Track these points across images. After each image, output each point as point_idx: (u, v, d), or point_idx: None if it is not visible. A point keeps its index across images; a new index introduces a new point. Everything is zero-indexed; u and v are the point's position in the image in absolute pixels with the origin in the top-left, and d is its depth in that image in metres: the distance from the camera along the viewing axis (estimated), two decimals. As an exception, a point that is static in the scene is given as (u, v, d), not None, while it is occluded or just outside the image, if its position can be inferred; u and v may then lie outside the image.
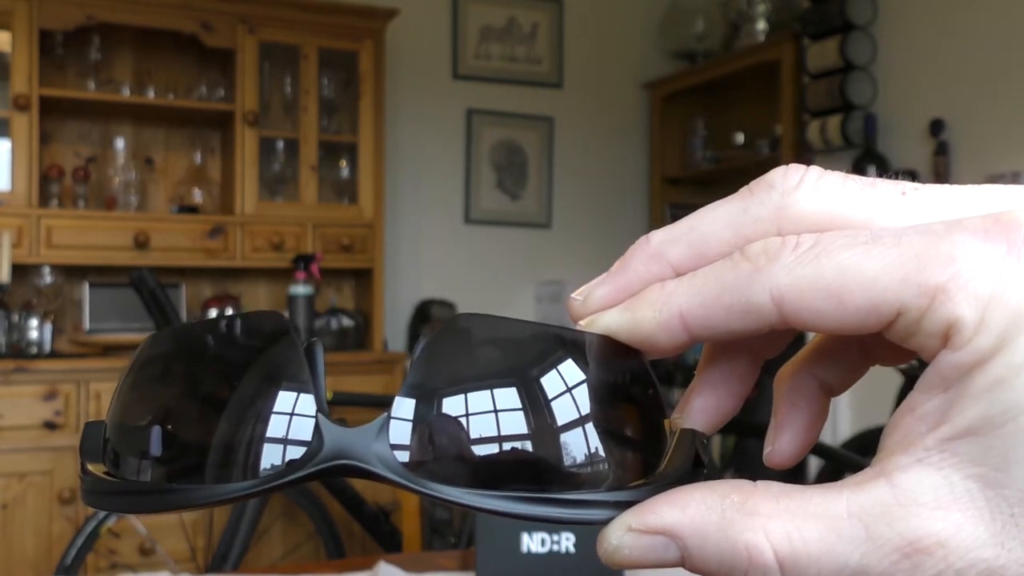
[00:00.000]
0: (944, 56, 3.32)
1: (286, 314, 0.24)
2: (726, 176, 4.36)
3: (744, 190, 0.27)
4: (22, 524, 2.95)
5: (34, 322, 3.23)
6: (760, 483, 0.24)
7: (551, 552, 1.12)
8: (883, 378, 2.44)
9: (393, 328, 3.97)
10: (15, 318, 3.24)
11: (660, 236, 0.27)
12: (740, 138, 4.25)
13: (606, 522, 0.25)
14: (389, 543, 2.68)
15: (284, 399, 0.25)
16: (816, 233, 0.24)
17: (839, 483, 0.23)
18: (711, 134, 4.47)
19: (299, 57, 3.62)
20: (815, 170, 0.26)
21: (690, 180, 4.50)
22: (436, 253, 4.19)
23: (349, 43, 3.65)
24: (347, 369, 3.39)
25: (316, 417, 0.25)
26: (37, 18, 3.23)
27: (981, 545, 0.21)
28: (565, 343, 0.26)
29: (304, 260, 3.41)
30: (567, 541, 1.12)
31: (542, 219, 4.41)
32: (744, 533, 0.23)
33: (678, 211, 4.46)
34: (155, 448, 0.26)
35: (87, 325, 3.39)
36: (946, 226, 0.23)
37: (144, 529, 2.49)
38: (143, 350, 0.28)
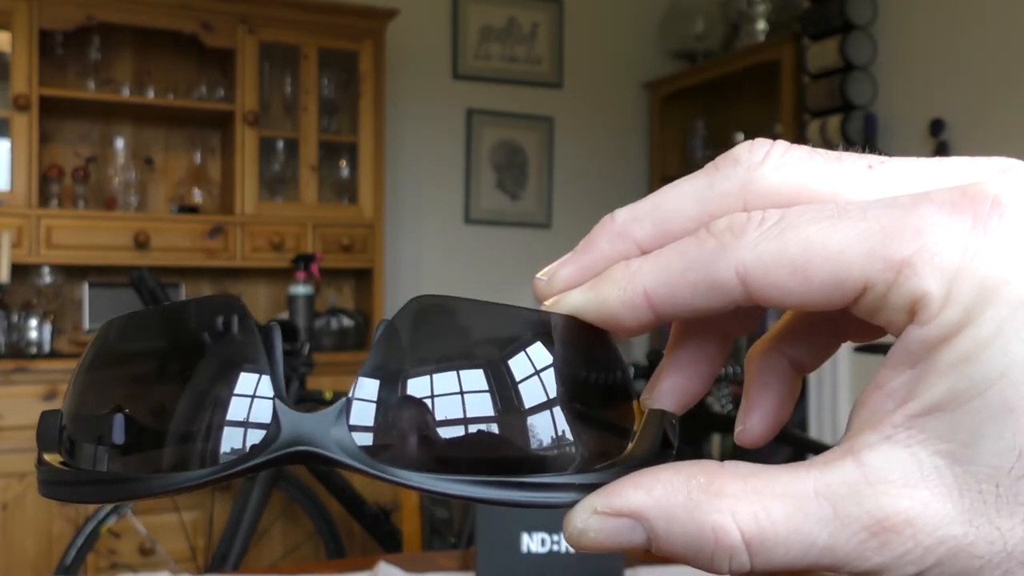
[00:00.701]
0: (944, 56, 3.32)
1: (241, 299, 0.24)
2: (726, 176, 4.35)
3: (709, 165, 0.26)
4: (22, 524, 2.95)
5: (34, 322, 3.23)
6: (727, 463, 0.24)
7: (551, 552, 1.12)
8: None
9: (393, 328, 3.97)
10: (15, 318, 3.24)
11: (624, 214, 0.26)
12: (740, 138, 4.24)
13: (571, 505, 0.24)
14: (389, 543, 2.68)
15: (242, 385, 0.24)
16: (782, 208, 0.24)
17: (807, 462, 0.23)
18: (711, 134, 4.47)
19: (299, 57, 3.62)
20: (781, 144, 0.26)
21: (690, 180, 4.50)
22: (436, 253, 4.19)
23: (349, 43, 3.65)
24: (347, 369, 3.39)
25: (274, 403, 0.24)
26: (37, 18, 3.23)
27: (949, 522, 0.21)
28: (529, 323, 0.25)
29: (304, 260, 3.41)
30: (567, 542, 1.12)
31: (542, 219, 4.41)
32: (711, 514, 0.23)
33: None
34: (112, 436, 0.25)
35: (87, 325, 3.39)
36: (913, 199, 0.22)
37: (144, 529, 2.49)
38: (99, 337, 0.27)
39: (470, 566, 1.25)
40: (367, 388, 0.24)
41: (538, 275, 0.28)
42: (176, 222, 3.46)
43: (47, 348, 3.25)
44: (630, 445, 0.26)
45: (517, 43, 4.37)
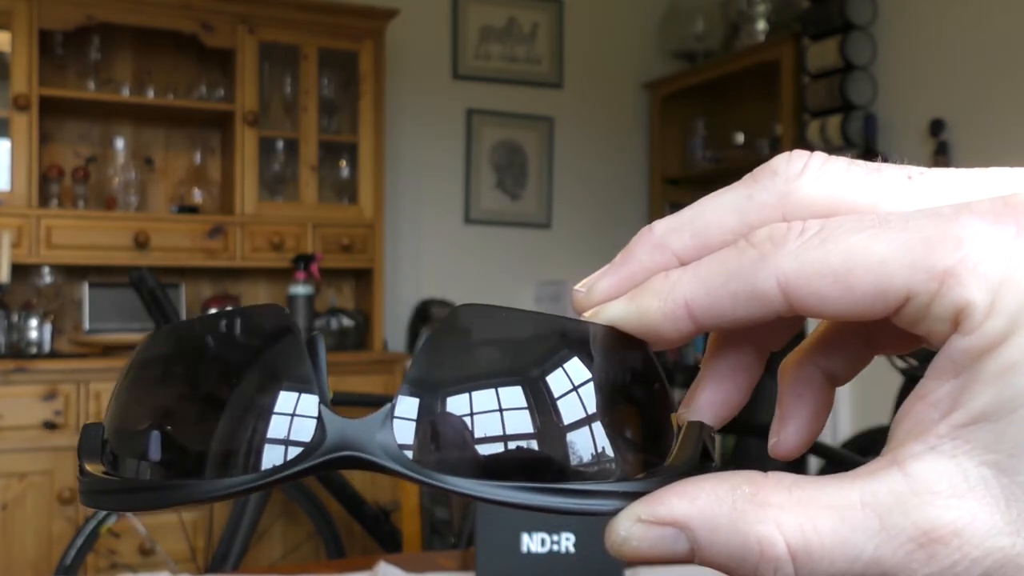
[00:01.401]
0: (944, 56, 3.32)
1: (286, 309, 0.24)
2: (726, 176, 4.34)
3: (748, 177, 0.26)
4: (22, 524, 2.95)
5: (34, 322, 3.23)
6: (771, 474, 0.23)
7: (551, 552, 1.12)
8: (883, 378, 2.44)
9: (393, 328, 3.97)
10: (15, 318, 3.24)
11: (664, 225, 0.27)
12: (740, 138, 4.25)
13: (614, 513, 0.24)
14: (389, 543, 2.68)
15: (286, 392, 0.24)
16: (822, 219, 0.24)
17: (851, 473, 0.23)
18: (711, 134, 4.47)
19: (299, 57, 3.62)
20: (819, 155, 0.26)
21: (690, 180, 4.50)
22: (436, 253, 4.19)
23: (349, 43, 3.65)
24: (347, 369, 3.39)
25: (319, 409, 0.24)
26: (37, 18, 3.23)
27: (997, 533, 0.21)
28: (570, 335, 0.25)
29: (304, 260, 3.41)
30: (567, 541, 1.12)
31: (542, 219, 4.41)
32: (756, 525, 0.22)
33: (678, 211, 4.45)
34: (155, 445, 0.26)
35: (87, 325, 3.39)
36: (954, 209, 0.22)
37: (144, 529, 2.49)
38: (142, 349, 0.27)
39: (470, 566, 1.25)
40: (411, 396, 0.24)
41: (576, 287, 0.27)
42: (176, 222, 3.46)
43: (47, 348, 3.25)
44: (671, 456, 0.26)
45: (517, 43, 4.37)
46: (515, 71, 4.36)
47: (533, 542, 1.12)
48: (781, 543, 0.22)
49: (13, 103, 3.20)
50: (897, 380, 2.42)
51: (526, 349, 0.25)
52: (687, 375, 3.89)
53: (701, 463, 0.26)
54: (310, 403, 0.24)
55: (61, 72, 3.50)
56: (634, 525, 0.24)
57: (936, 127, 3.31)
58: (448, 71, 4.24)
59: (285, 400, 0.24)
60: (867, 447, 2.48)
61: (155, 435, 0.26)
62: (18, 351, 3.20)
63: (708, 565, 0.23)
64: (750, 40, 4.10)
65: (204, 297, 3.64)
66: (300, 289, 3.38)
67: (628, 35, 4.57)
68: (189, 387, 0.26)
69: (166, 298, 2.58)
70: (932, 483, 0.22)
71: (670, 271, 0.26)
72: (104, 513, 2.34)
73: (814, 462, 3.08)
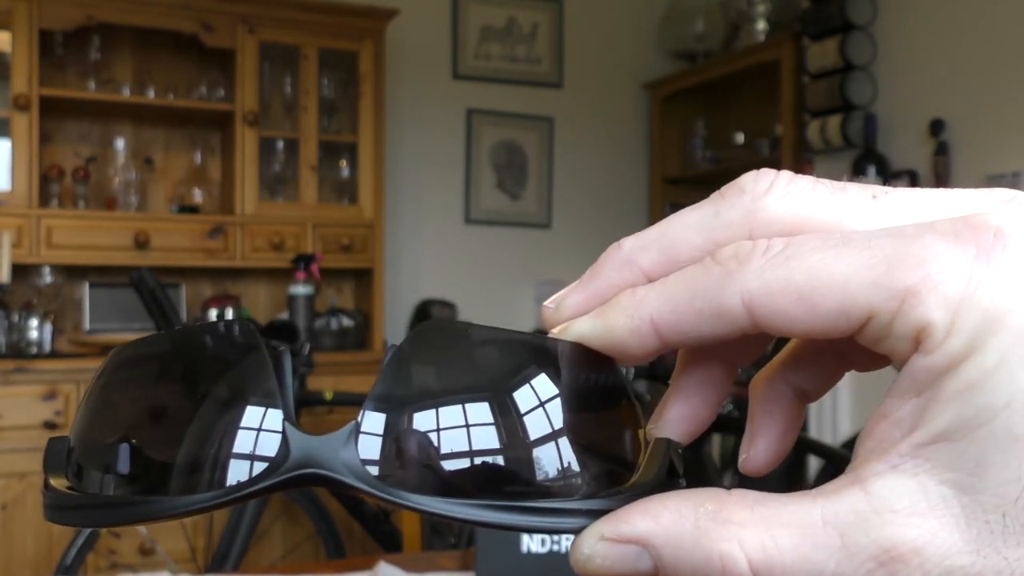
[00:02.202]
0: (944, 56, 3.32)
1: (253, 324, 0.24)
2: (726, 176, 4.27)
3: (715, 195, 0.26)
4: (22, 524, 2.95)
5: (34, 322, 3.23)
6: (735, 491, 0.24)
7: (551, 552, 1.12)
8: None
9: (393, 328, 3.97)
10: (15, 318, 3.24)
11: (631, 242, 0.27)
12: (740, 138, 4.25)
13: (579, 530, 0.24)
14: (389, 543, 2.68)
15: (251, 408, 0.24)
16: (787, 237, 0.24)
17: (814, 491, 0.23)
18: (711, 134, 4.47)
19: (299, 57, 3.62)
20: (785, 174, 0.26)
21: (690, 180, 4.50)
22: (436, 253, 4.19)
23: (349, 43, 3.65)
24: (347, 369, 3.39)
25: (283, 425, 0.24)
26: (37, 18, 3.23)
27: (957, 552, 0.21)
28: (537, 351, 0.25)
29: (304, 260, 3.41)
30: (567, 541, 1.12)
31: (542, 219, 4.41)
32: (718, 543, 0.23)
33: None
34: (120, 460, 0.25)
35: (87, 325, 3.39)
36: (916, 229, 0.22)
37: (144, 529, 2.49)
38: (108, 361, 0.27)
39: (470, 566, 1.25)
40: (376, 412, 0.24)
41: (545, 303, 0.28)
42: (176, 222, 3.46)
43: (47, 348, 3.25)
44: (637, 472, 0.26)
45: (517, 43, 4.37)
46: (515, 71, 4.36)
47: (533, 542, 1.12)
48: (743, 560, 0.22)
49: (13, 103, 3.20)
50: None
51: (493, 366, 0.25)
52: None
53: (668, 479, 0.26)
54: (274, 419, 0.24)
55: (61, 72, 3.50)
56: (598, 543, 0.24)
57: (936, 127, 3.30)
58: (448, 71, 4.24)
59: (250, 416, 0.24)
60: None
61: (120, 449, 0.26)
62: (18, 351, 3.20)
63: None
64: (750, 40, 4.10)
65: (204, 297, 3.64)
66: (300, 289, 3.38)
67: (628, 35, 4.57)
68: (155, 401, 0.26)
69: (166, 298, 2.58)
70: (893, 501, 0.22)
71: (637, 288, 0.26)
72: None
73: (814, 462, 3.08)
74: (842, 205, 0.25)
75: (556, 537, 1.12)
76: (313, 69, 3.62)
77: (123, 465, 0.25)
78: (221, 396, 0.25)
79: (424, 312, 4.01)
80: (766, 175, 0.26)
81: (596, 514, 0.24)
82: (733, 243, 0.25)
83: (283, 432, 0.24)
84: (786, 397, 0.29)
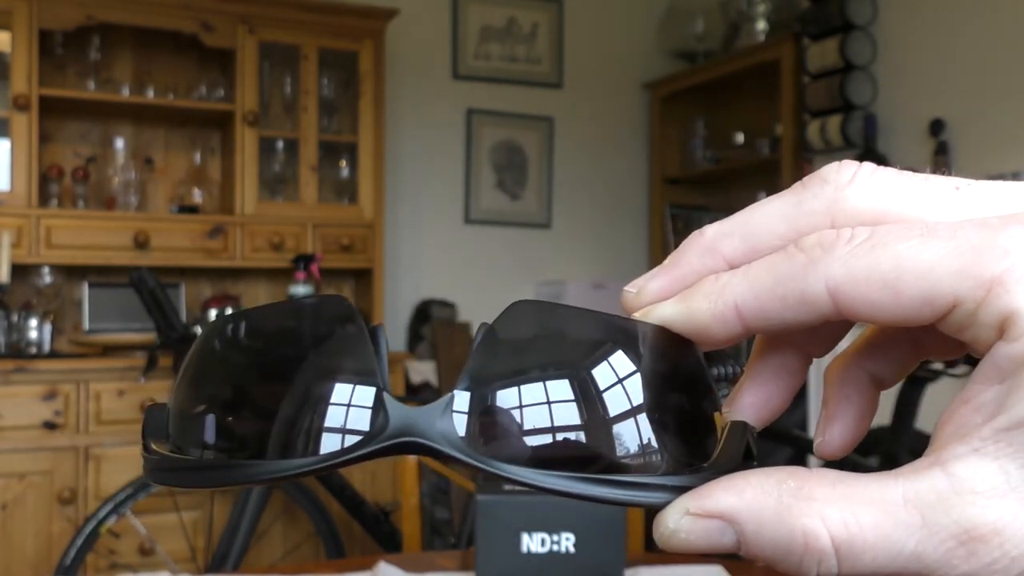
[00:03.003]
0: (944, 56, 3.32)
1: (348, 300, 0.26)
2: (726, 176, 4.36)
3: (797, 185, 0.27)
4: (22, 524, 2.95)
5: (34, 322, 3.23)
6: (816, 470, 0.24)
7: (551, 552, 1.12)
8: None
9: (393, 328, 3.97)
10: (15, 318, 3.24)
11: (714, 230, 0.27)
12: (740, 138, 4.25)
13: (663, 505, 0.25)
14: (389, 543, 2.68)
15: (350, 378, 0.25)
16: (870, 226, 0.24)
17: (895, 471, 0.23)
18: (711, 134, 4.47)
19: (299, 57, 3.62)
20: (868, 165, 0.26)
21: (690, 180, 4.50)
22: (436, 253, 4.19)
23: (349, 43, 3.65)
24: (347, 369, 3.38)
25: (382, 396, 0.25)
26: (37, 18, 3.23)
27: None
28: (621, 332, 0.26)
29: (304, 260, 3.41)
30: (567, 541, 1.12)
31: (542, 219, 4.41)
32: (801, 518, 0.23)
33: (678, 211, 4.46)
34: (219, 427, 0.27)
35: (87, 325, 3.39)
36: (1001, 220, 0.23)
37: (144, 529, 2.49)
38: (208, 332, 0.28)
39: (470, 566, 1.25)
40: (469, 386, 0.25)
41: (627, 287, 0.28)
42: (176, 222, 3.46)
43: (47, 348, 3.25)
44: (715, 453, 0.27)
45: (517, 43, 4.37)
46: (515, 71, 4.36)
47: (533, 542, 1.12)
48: (825, 536, 0.23)
49: (13, 103, 3.20)
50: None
51: (581, 346, 0.26)
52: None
53: (744, 461, 0.26)
54: (372, 390, 0.25)
55: (61, 72, 3.50)
56: (683, 518, 0.25)
57: (936, 127, 3.31)
58: (448, 71, 4.24)
59: (348, 386, 0.25)
60: (868, 447, 2.48)
61: (218, 416, 0.27)
62: (18, 351, 3.20)
63: (754, 557, 0.24)
64: (750, 40, 4.10)
65: (204, 297, 3.64)
66: (300, 289, 3.38)
67: (628, 35, 4.57)
68: (254, 373, 0.27)
69: (166, 298, 2.58)
70: (975, 483, 0.22)
71: (720, 274, 0.26)
72: (104, 513, 2.33)
73: (814, 462, 3.08)
74: (925, 196, 0.25)
75: (556, 536, 1.12)
76: (313, 69, 3.62)
77: (221, 431, 0.26)
78: (319, 367, 0.26)
79: (424, 312, 4.01)
80: (849, 166, 0.26)
81: (680, 490, 0.25)
82: (817, 232, 0.25)
83: (382, 402, 0.25)
84: (862, 383, 0.30)
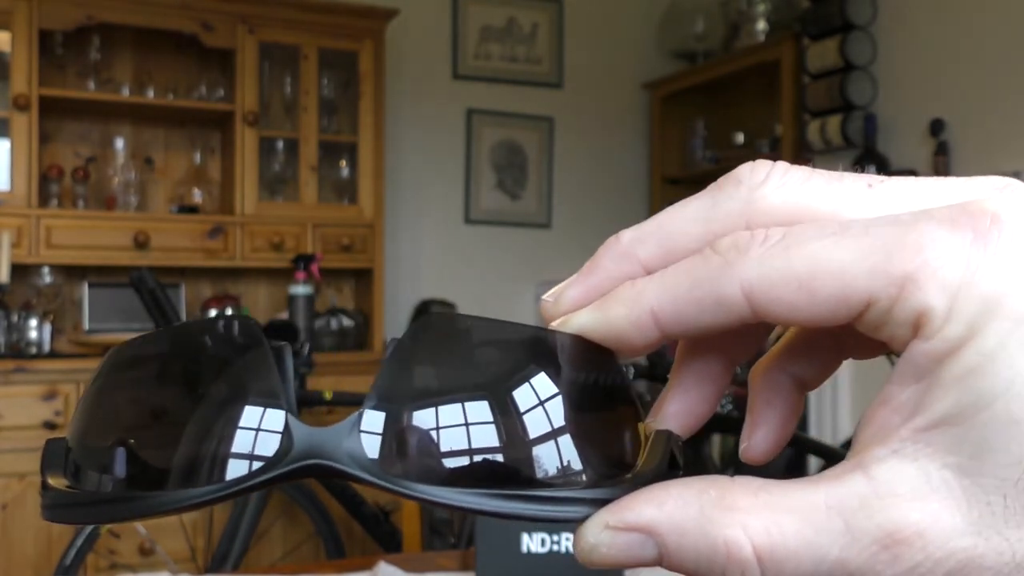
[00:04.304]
0: (944, 56, 3.32)
1: (254, 320, 0.25)
2: (726, 176, 4.35)
3: (712, 186, 0.27)
4: (22, 524, 2.95)
5: (34, 322, 3.23)
6: (738, 478, 0.24)
7: (551, 552, 1.12)
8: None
9: (393, 328, 3.97)
10: (15, 318, 3.24)
11: (629, 235, 0.27)
12: (740, 138, 4.25)
13: (582, 519, 0.24)
14: (389, 543, 2.68)
15: (253, 403, 0.24)
16: (785, 226, 0.24)
17: (816, 477, 0.23)
18: (711, 134, 4.47)
19: (299, 57, 3.62)
20: (782, 165, 0.26)
21: (690, 180, 4.50)
22: (436, 253, 4.19)
23: (349, 43, 3.65)
24: (347, 369, 3.39)
25: (286, 417, 0.24)
26: (37, 18, 3.23)
27: (959, 534, 0.21)
28: (538, 344, 0.26)
29: (304, 260, 3.41)
30: (567, 541, 1.12)
31: (542, 219, 4.41)
32: (723, 528, 0.23)
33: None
34: (119, 459, 0.25)
35: (87, 325, 3.39)
36: (913, 216, 0.23)
37: (144, 529, 2.49)
38: (106, 361, 0.27)
39: (470, 566, 1.25)
40: (379, 404, 0.24)
41: (544, 296, 0.28)
42: (176, 222, 3.46)
43: (47, 348, 3.25)
44: (639, 464, 0.26)
45: (517, 43, 4.37)
46: (515, 71, 4.36)
47: (533, 542, 1.12)
48: (747, 545, 0.22)
49: (13, 103, 3.20)
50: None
51: (494, 359, 0.25)
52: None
53: (669, 471, 0.26)
54: (277, 413, 0.24)
55: (61, 72, 3.50)
56: (603, 532, 0.24)
57: (936, 127, 3.31)
58: (448, 71, 4.24)
59: (252, 411, 0.24)
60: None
61: (119, 448, 0.25)
62: (18, 351, 3.20)
63: (676, 570, 0.24)
64: (750, 40, 4.10)
65: (204, 297, 3.64)
66: (300, 289, 3.38)
67: (628, 35, 4.57)
68: (154, 400, 0.26)
69: (166, 298, 2.58)
70: (895, 485, 0.22)
71: (636, 280, 0.26)
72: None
73: (814, 462, 3.08)
74: (839, 194, 0.25)
75: (556, 537, 1.12)
76: (313, 69, 3.62)
77: (121, 463, 0.25)
78: (222, 392, 0.25)
79: (424, 312, 4.01)
80: (762, 166, 0.26)
81: (599, 503, 0.24)
82: (731, 233, 0.25)
83: (286, 424, 0.24)
84: (785, 386, 0.29)
